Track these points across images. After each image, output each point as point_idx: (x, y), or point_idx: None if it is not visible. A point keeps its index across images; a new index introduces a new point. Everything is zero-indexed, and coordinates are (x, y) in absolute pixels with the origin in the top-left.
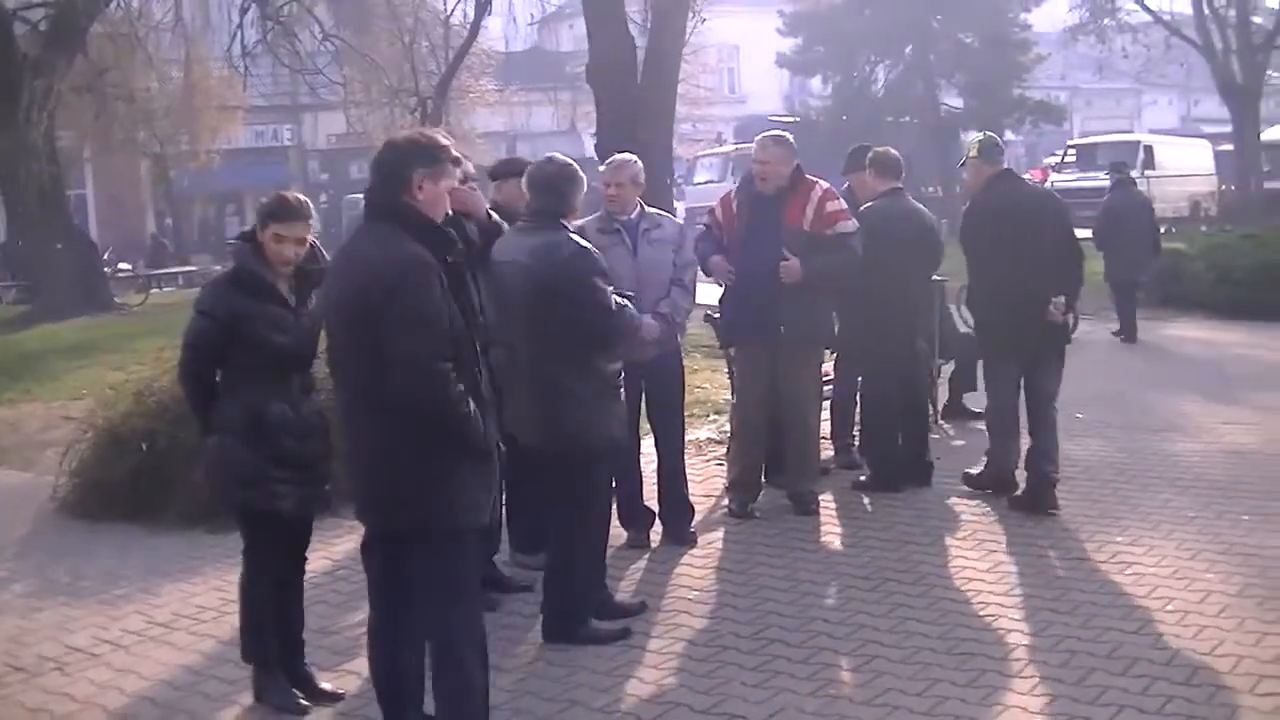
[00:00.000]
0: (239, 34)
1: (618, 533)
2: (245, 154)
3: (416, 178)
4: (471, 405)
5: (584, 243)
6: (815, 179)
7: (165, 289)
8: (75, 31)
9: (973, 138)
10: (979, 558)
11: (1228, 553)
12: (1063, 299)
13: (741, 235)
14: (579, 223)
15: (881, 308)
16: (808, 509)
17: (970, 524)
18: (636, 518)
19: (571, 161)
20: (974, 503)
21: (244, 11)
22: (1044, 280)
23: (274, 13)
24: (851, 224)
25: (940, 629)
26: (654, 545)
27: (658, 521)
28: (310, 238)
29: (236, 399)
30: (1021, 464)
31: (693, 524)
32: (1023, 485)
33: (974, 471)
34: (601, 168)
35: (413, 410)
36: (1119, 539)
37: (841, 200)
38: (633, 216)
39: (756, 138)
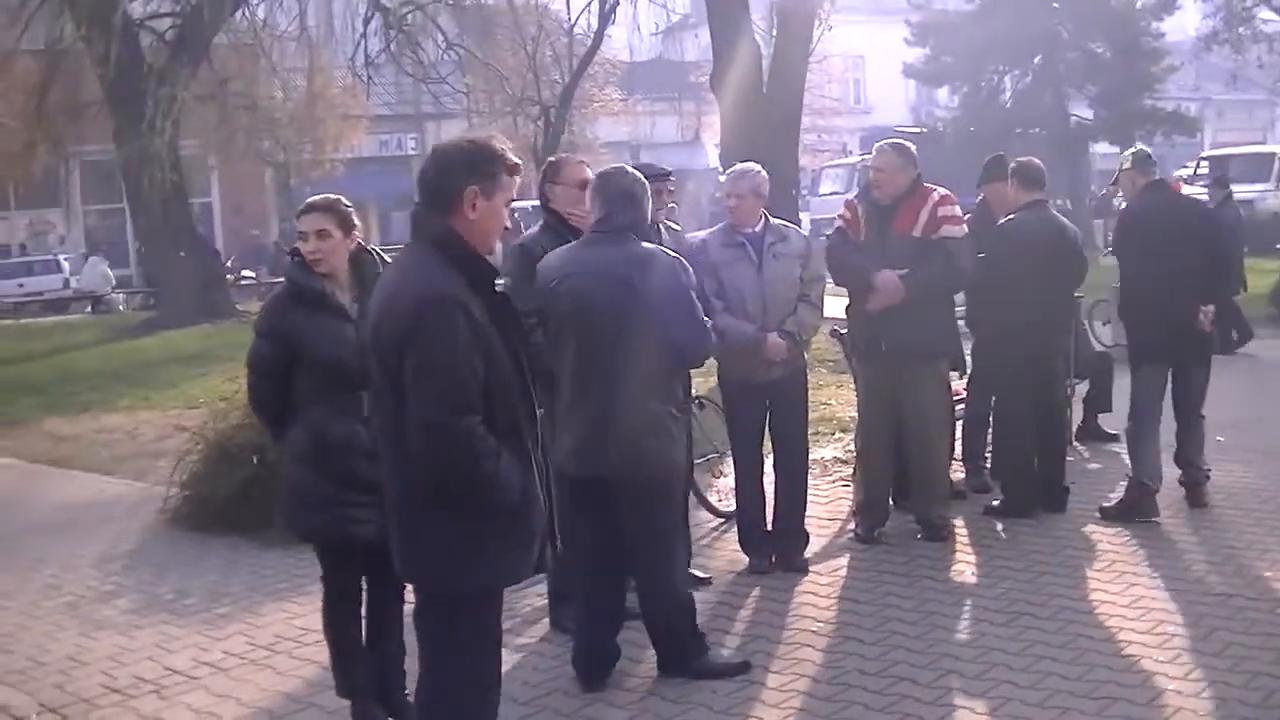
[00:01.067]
0: (362, 43)
1: (740, 558)
2: (369, 163)
3: (469, 195)
4: (502, 461)
5: (675, 254)
6: (933, 186)
7: None
8: (200, 41)
9: (1126, 153)
10: (1119, 591)
11: None
12: (1211, 308)
13: (873, 248)
14: (701, 235)
15: (1020, 323)
16: (938, 535)
17: (1108, 554)
18: (758, 543)
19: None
20: (1111, 531)
21: (367, 21)
22: (1192, 288)
23: (397, 22)
24: (960, 229)
25: (1079, 669)
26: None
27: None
28: (361, 241)
29: (302, 421)
30: (1160, 485)
31: (807, 550)
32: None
33: (1109, 504)
34: (722, 178)
35: (426, 466)
36: (1267, 574)
37: (957, 207)
38: (757, 229)
39: (875, 146)
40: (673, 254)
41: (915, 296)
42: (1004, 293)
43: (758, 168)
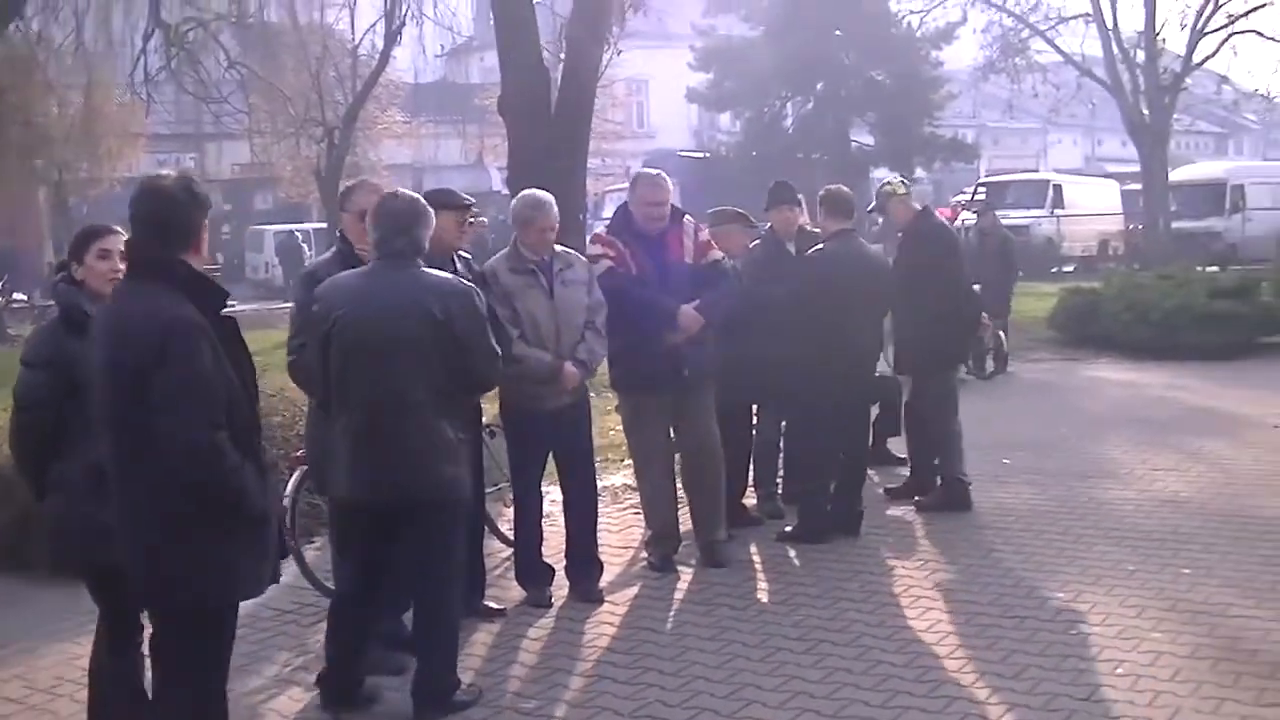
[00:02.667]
0: (142, 60)
1: (517, 592)
2: None
3: (204, 228)
4: (248, 472)
5: (469, 282)
6: (682, 211)
7: None
8: None
9: (891, 180)
10: (916, 615)
11: (1173, 610)
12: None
13: (654, 280)
14: (489, 262)
15: (828, 352)
16: (717, 560)
17: (904, 579)
18: (535, 574)
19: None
20: (906, 558)
21: (147, 37)
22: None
23: (178, 39)
24: (719, 252)
25: (882, 695)
26: (555, 604)
27: (556, 580)
28: None
29: (75, 454)
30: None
31: (601, 580)
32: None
33: (925, 499)
34: (530, 208)
35: (183, 484)
36: (1059, 595)
37: (707, 230)
38: (546, 256)
39: (641, 176)
40: (467, 282)
41: (713, 323)
42: (817, 323)
43: (551, 197)
